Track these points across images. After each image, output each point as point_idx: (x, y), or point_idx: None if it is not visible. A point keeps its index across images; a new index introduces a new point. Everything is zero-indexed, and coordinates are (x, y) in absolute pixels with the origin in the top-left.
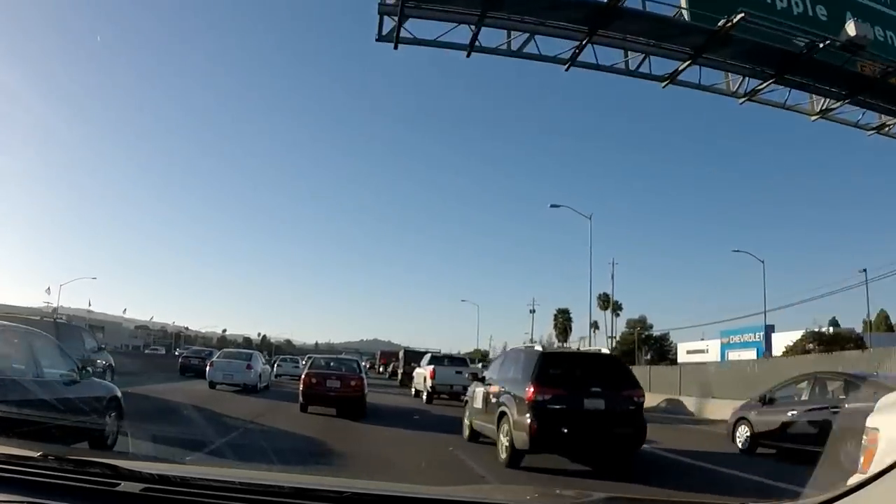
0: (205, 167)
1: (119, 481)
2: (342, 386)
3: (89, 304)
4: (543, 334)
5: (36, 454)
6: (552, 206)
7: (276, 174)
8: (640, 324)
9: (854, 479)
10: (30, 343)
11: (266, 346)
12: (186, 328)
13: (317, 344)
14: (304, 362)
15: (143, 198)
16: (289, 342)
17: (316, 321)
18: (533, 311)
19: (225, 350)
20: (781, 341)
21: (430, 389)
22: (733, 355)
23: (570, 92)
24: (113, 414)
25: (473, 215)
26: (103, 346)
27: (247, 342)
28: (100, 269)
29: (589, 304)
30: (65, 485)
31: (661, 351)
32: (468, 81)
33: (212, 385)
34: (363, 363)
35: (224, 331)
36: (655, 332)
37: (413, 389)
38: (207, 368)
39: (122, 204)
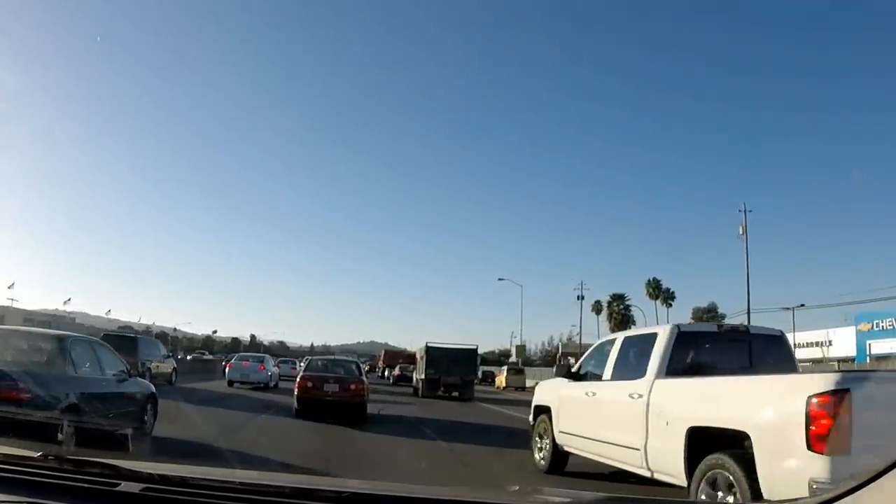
0: (193, 162)
1: (119, 481)
2: (341, 389)
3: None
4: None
5: (36, 454)
6: None
7: (268, 168)
8: (709, 312)
9: (854, 479)
10: (95, 349)
11: (254, 348)
12: (175, 329)
13: (312, 346)
14: (301, 364)
15: (112, 188)
16: (282, 344)
17: (311, 322)
18: (581, 298)
19: (240, 353)
20: None
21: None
22: (879, 347)
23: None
24: (149, 405)
25: (485, 199)
26: (170, 354)
27: (235, 343)
28: (44, 261)
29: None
30: (65, 485)
31: None
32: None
33: (230, 383)
34: (363, 366)
35: (214, 331)
36: (728, 321)
37: (543, 449)
38: (226, 369)
39: (83, 194)
